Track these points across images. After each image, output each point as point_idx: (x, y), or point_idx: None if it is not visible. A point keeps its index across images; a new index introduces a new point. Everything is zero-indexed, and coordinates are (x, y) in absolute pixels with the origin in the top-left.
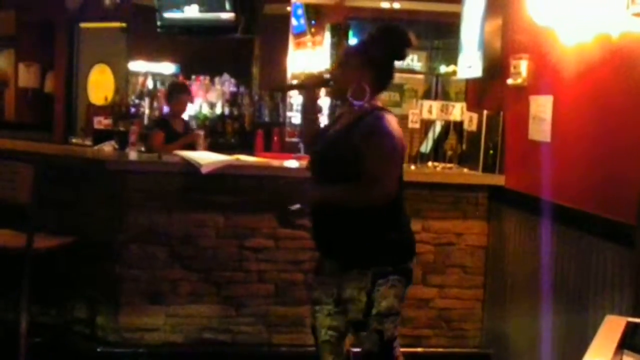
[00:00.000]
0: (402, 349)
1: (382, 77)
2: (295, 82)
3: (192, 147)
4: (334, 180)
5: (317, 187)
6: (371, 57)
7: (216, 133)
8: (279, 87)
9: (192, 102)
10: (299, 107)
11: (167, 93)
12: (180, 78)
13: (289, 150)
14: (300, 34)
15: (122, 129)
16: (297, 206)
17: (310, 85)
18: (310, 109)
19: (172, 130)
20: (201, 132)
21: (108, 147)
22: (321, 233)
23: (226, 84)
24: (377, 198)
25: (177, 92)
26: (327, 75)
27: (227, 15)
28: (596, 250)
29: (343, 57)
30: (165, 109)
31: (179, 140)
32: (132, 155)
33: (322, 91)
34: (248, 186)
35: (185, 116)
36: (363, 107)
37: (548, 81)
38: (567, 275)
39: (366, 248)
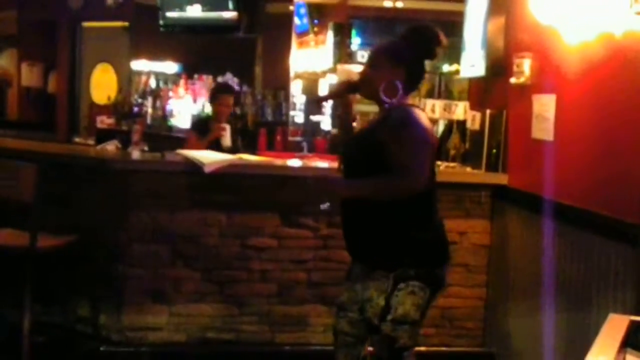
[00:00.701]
0: None
1: (413, 77)
2: (326, 92)
3: (218, 142)
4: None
5: (343, 182)
6: (402, 56)
7: None
8: (313, 100)
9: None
10: (302, 107)
11: (210, 94)
12: (227, 80)
13: (292, 149)
14: (302, 33)
15: (125, 128)
16: (327, 205)
17: (342, 93)
18: (345, 117)
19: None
20: (226, 126)
21: (111, 147)
22: (349, 233)
23: (229, 83)
24: (407, 188)
25: (219, 92)
26: (356, 79)
27: (230, 15)
28: (599, 248)
29: (373, 57)
30: (207, 110)
31: (203, 139)
32: (135, 154)
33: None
34: (251, 185)
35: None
36: (394, 104)
37: (551, 80)
38: (570, 273)
39: (390, 248)
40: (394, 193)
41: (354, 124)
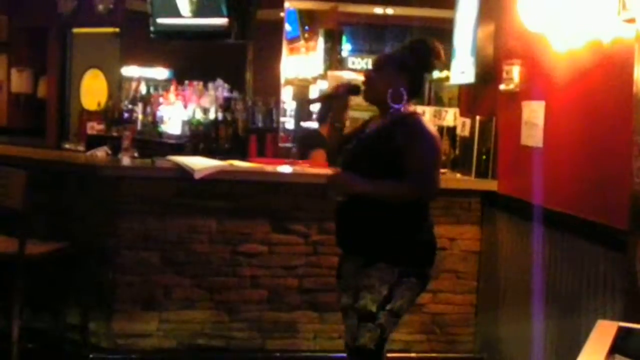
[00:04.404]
0: (395, 354)
1: (415, 85)
2: (325, 92)
3: None
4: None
5: (358, 178)
6: (407, 64)
7: (209, 138)
8: (311, 100)
9: None
10: (293, 113)
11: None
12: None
13: (283, 155)
14: (293, 40)
15: (115, 134)
16: (341, 198)
17: (343, 94)
18: (340, 117)
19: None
20: None
21: (101, 153)
22: (347, 229)
23: (219, 89)
24: (423, 195)
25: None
26: (358, 83)
27: (221, 21)
28: (588, 255)
29: (380, 62)
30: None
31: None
32: (125, 160)
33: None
34: (241, 191)
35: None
36: (400, 110)
37: (540, 87)
38: (560, 280)
39: (398, 244)
40: (410, 198)
41: (346, 122)
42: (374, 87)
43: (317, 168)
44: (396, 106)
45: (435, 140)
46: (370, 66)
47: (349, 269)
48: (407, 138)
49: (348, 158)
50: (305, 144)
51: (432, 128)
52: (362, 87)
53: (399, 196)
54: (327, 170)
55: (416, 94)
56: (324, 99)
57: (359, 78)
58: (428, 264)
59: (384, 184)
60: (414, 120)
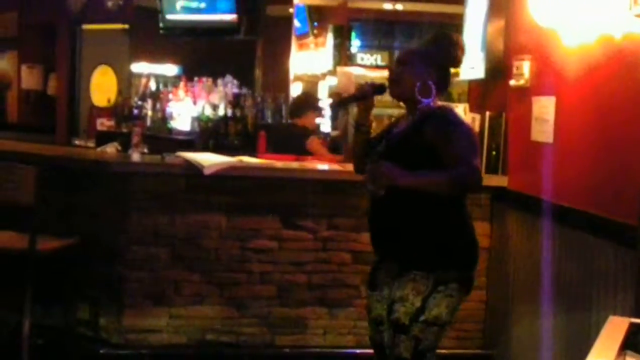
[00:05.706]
0: None
1: (443, 79)
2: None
3: None
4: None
5: (402, 170)
6: (433, 58)
7: (219, 134)
8: (338, 102)
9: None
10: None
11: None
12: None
13: None
14: (302, 36)
15: (124, 130)
16: (382, 192)
17: (369, 94)
18: (365, 119)
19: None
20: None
21: (111, 149)
22: (384, 231)
23: (229, 86)
24: (472, 181)
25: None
26: (383, 81)
27: (230, 17)
28: (599, 251)
29: (406, 57)
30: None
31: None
32: (135, 156)
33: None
34: (251, 187)
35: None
36: (429, 105)
37: (551, 82)
38: (570, 276)
39: (435, 248)
40: (457, 188)
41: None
42: (401, 82)
43: (325, 162)
44: (425, 101)
45: (471, 128)
46: (382, 62)
47: (382, 277)
48: (441, 130)
49: (378, 159)
50: (291, 141)
51: (465, 118)
52: (387, 85)
53: (446, 186)
54: (336, 166)
55: (444, 89)
56: (349, 100)
57: (368, 74)
58: (469, 267)
59: (429, 174)
60: (446, 112)
